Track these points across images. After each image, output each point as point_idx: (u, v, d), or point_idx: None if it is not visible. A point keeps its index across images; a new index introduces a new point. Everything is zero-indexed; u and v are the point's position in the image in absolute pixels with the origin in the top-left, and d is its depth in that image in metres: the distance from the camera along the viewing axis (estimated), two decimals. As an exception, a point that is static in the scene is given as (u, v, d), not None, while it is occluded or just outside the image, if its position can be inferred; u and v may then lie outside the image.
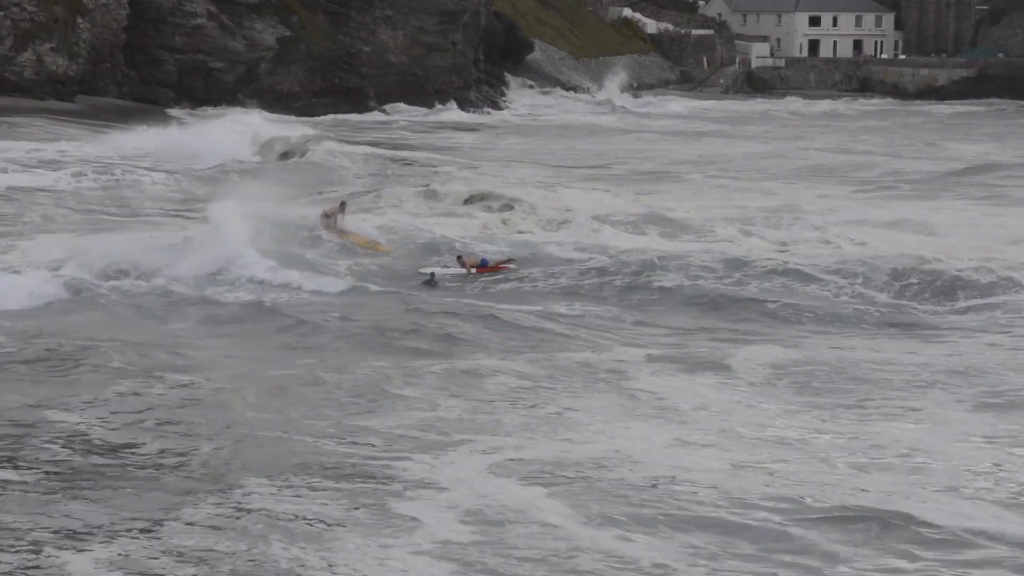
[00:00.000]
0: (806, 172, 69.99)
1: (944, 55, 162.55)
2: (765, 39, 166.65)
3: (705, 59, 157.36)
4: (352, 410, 23.79)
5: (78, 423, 22.55)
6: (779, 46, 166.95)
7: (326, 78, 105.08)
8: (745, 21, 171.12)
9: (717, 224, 44.66)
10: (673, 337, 30.84)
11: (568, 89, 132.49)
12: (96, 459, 20.76)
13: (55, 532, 17.70)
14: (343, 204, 41.79)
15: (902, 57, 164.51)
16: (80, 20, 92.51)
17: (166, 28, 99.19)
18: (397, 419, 23.17)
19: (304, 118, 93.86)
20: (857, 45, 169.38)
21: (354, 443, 21.74)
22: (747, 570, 17.13)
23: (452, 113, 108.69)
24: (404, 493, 19.33)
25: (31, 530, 17.70)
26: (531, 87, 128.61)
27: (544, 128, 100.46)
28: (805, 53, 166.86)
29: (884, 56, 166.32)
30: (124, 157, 62.39)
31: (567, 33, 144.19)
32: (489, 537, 17.90)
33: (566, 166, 71.62)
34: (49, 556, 16.89)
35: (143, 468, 20.39)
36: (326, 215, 40.50)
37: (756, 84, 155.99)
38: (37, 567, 16.64)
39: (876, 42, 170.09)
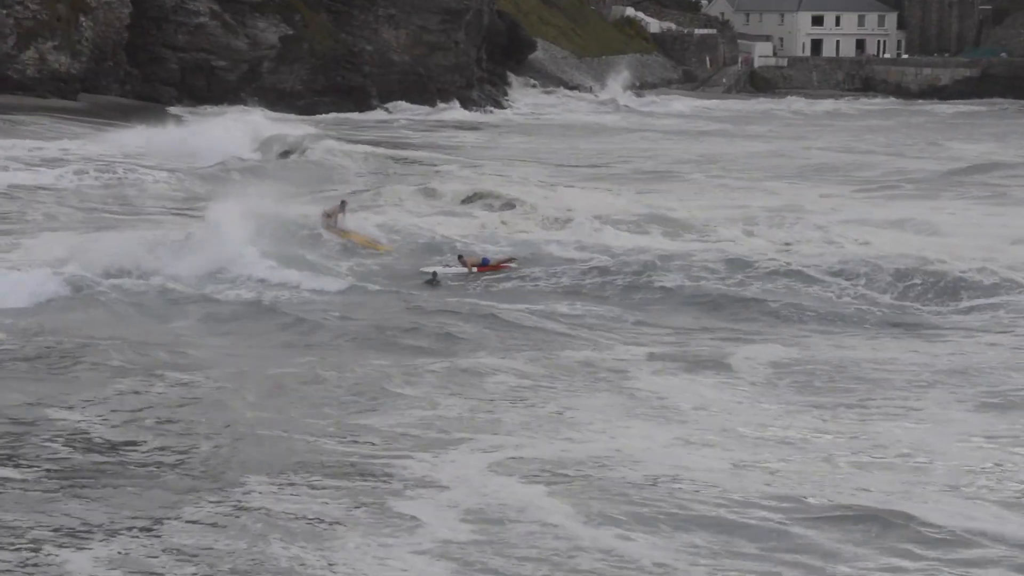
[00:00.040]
0: (809, 171, 69.97)
1: (947, 55, 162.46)
2: (768, 38, 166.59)
3: (708, 58, 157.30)
4: (352, 409, 23.78)
5: (78, 421, 22.54)
6: (782, 45, 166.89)
7: (328, 77, 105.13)
8: (748, 20, 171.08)
9: (719, 224, 44.61)
10: (674, 337, 30.83)
11: (571, 88, 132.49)
12: (96, 457, 20.74)
13: (55, 530, 17.68)
14: (343, 203, 41.77)
15: (905, 57, 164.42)
16: (83, 18, 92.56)
17: (169, 26, 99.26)
18: (397, 418, 23.16)
19: (306, 116, 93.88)
20: (860, 45, 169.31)
21: (354, 442, 21.73)
22: (748, 569, 17.11)
23: (454, 112, 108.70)
24: (404, 492, 19.31)
25: (31, 528, 17.68)
26: (534, 86, 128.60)
27: (547, 127, 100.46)
28: (808, 53, 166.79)
29: (887, 56, 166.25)
30: (126, 155, 62.37)
31: (570, 32, 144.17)
32: (489, 536, 17.88)
33: (568, 165, 71.63)
34: (49, 555, 16.88)
35: (143, 466, 20.38)
36: (327, 214, 40.48)
37: (759, 84, 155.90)
38: (37, 565, 16.62)
39: (879, 42, 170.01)
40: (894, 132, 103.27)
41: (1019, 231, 44.77)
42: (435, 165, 65.02)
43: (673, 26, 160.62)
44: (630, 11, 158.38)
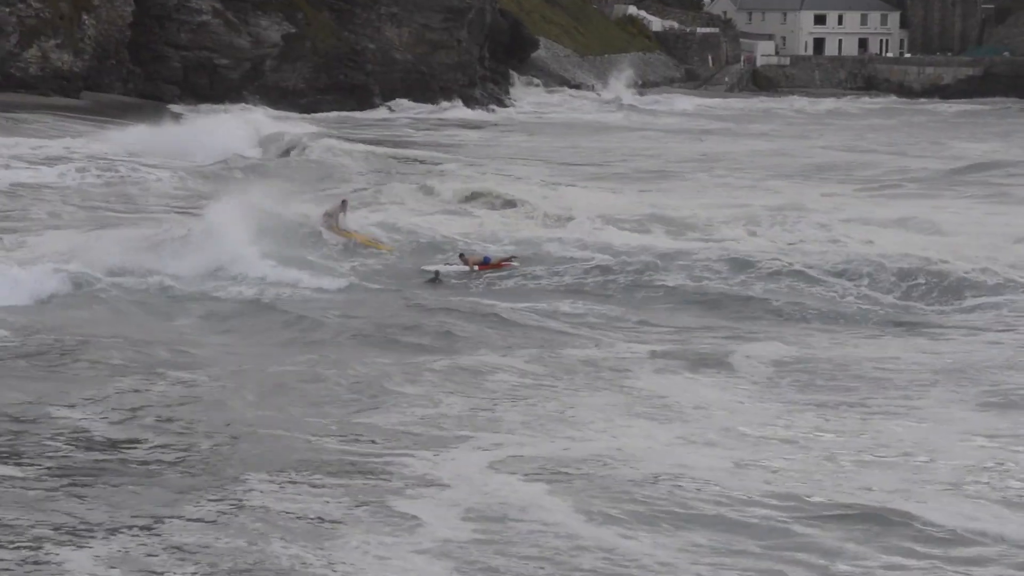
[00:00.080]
0: (811, 170, 69.98)
1: (950, 54, 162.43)
2: (770, 37, 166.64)
3: (710, 57, 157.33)
4: (353, 407, 23.75)
5: (78, 419, 22.51)
6: (784, 44, 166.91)
7: (331, 75, 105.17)
8: (750, 19, 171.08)
9: (721, 223, 44.59)
10: (676, 335, 30.81)
11: (573, 87, 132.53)
12: (96, 455, 20.72)
13: (55, 529, 17.65)
14: (344, 202, 41.72)
15: (907, 55, 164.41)
16: (85, 17, 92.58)
17: (171, 25, 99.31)
18: (398, 416, 23.13)
19: (309, 115, 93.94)
20: (862, 43, 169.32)
21: (355, 440, 21.70)
22: (749, 568, 17.07)
23: (457, 111, 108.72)
24: (405, 491, 19.28)
25: (31, 527, 17.65)
26: (537, 85, 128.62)
27: (549, 126, 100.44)
28: (810, 51, 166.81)
29: (889, 54, 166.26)
30: (128, 154, 62.33)
31: (572, 31, 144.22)
32: (490, 535, 17.84)
33: (571, 164, 71.61)
34: (48, 553, 16.84)
35: (143, 465, 20.35)
36: (327, 214, 40.43)
37: (761, 82, 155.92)
38: (37, 563, 16.59)
39: (881, 40, 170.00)
40: (896, 131, 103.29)
41: (1022, 230, 44.74)
42: (437, 163, 64.94)
43: (675, 25, 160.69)
44: (632, 9, 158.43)
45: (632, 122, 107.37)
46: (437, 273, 36.81)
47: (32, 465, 20.17)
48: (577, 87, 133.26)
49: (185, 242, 36.42)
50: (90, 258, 34.48)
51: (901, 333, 31.65)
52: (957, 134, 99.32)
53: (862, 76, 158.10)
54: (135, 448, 21.11)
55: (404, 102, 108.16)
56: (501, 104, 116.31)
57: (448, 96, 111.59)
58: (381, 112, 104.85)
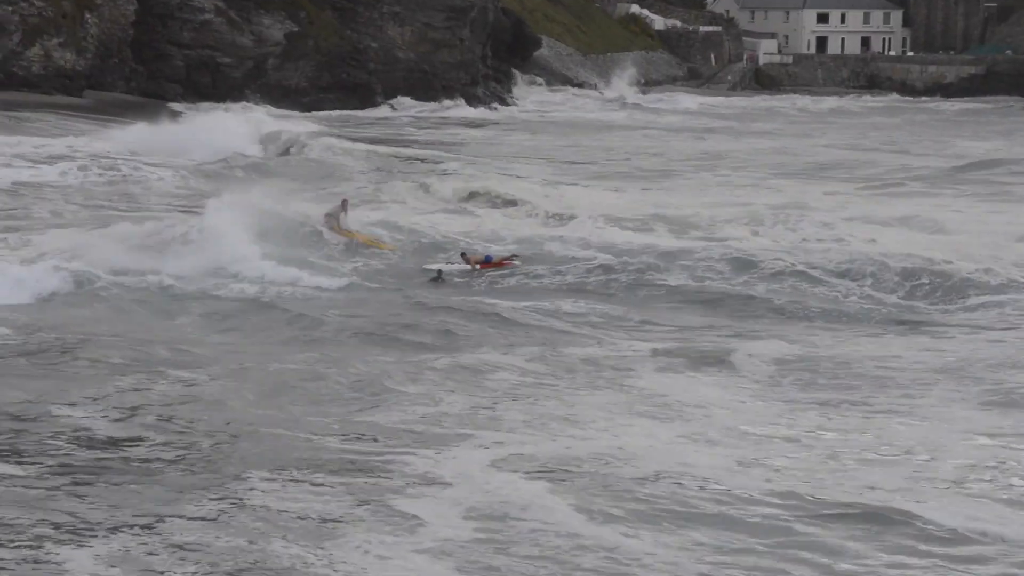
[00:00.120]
0: (814, 169, 69.99)
1: (952, 52, 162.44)
2: (773, 36, 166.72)
3: (713, 56, 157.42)
4: (354, 405, 23.73)
5: (79, 418, 22.49)
6: (787, 43, 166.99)
7: (333, 74, 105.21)
8: (753, 18, 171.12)
9: (724, 221, 44.57)
10: (678, 334, 30.78)
11: (576, 85, 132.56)
12: (97, 454, 20.69)
13: (55, 527, 17.63)
14: (345, 202, 41.64)
15: (910, 54, 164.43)
16: (88, 15, 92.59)
17: (174, 23, 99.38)
18: (400, 414, 23.11)
19: (311, 113, 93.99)
20: (865, 42, 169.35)
21: (356, 438, 21.68)
22: (751, 566, 17.04)
23: (459, 109, 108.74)
24: (406, 489, 19.24)
25: (31, 526, 17.63)
26: (539, 84, 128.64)
27: (552, 124, 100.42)
28: (813, 50, 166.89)
29: (892, 53, 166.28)
30: (129, 152, 62.31)
31: (574, 29, 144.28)
32: (492, 534, 17.80)
33: (573, 162, 71.59)
34: (49, 552, 16.82)
35: (144, 463, 20.32)
36: (328, 215, 40.38)
37: (764, 81, 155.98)
38: (37, 562, 16.57)
39: (884, 39, 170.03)
40: (899, 130, 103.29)
41: (1025, 228, 44.77)
42: (439, 162, 64.97)
43: (678, 23, 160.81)
44: (635, 8, 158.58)
45: (635, 121, 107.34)
46: (439, 272, 36.80)
47: (32, 464, 20.14)
48: (580, 86, 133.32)
49: (186, 241, 36.42)
50: (91, 256, 34.49)
51: (904, 331, 31.63)
52: (959, 133, 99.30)
53: (864, 75, 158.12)
54: (136, 447, 21.09)
55: (406, 101, 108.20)
56: (504, 103, 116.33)
57: (450, 95, 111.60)
58: (383, 111, 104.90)
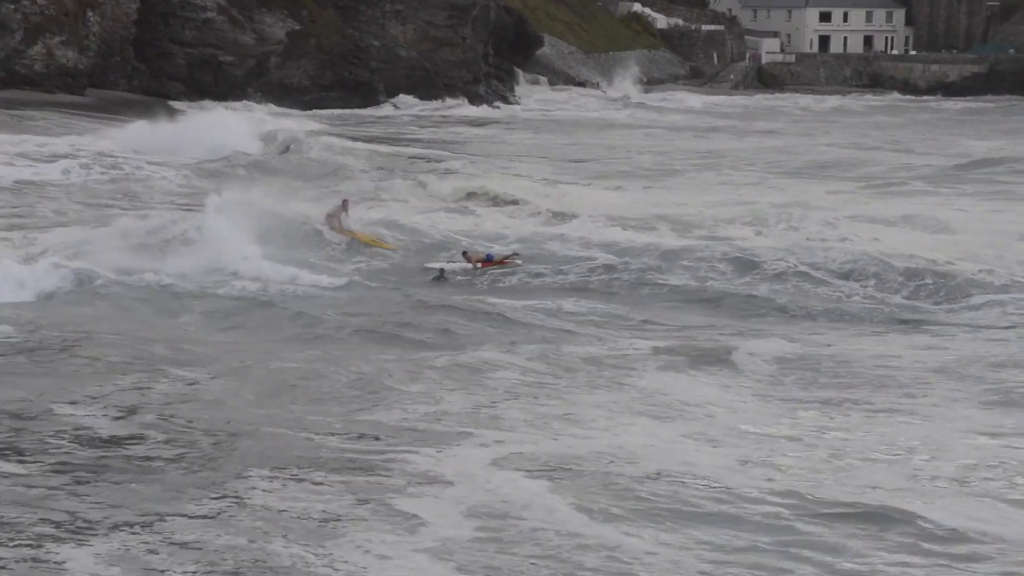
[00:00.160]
0: (816, 167, 69.97)
1: (955, 51, 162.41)
2: (775, 35, 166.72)
3: (715, 54, 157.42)
4: (355, 404, 23.70)
5: (80, 416, 22.47)
6: (789, 42, 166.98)
7: (335, 72, 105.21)
8: (755, 16, 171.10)
9: (727, 221, 44.54)
10: (680, 334, 30.75)
11: (578, 84, 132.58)
12: (97, 452, 20.67)
13: (56, 526, 17.60)
14: (345, 202, 41.59)
15: (913, 53, 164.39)
16: (90, 13, 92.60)
17: (176, 22, 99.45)
18: (400, 413, 23.09)
19: (313, 111, 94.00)
20: (868, 41, 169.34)
21: (357, 437, 21.65)
22: (753, 564, 17.01)
23: (461, 108, 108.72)
24: (407, 488, 19.21)
25: (32, 524, 17.61)
26: (541, 84, 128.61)
27: (554, 123, 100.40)
28: (815, 49, 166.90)
29: (895, 52, 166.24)
30: (131, 151, 62.30)
31: (577, 28, 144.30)
32: (493, 533, 17.78)
33: (575, 161, 71.57)
34: (49, 552, 16.79)
35: (144, 462, 20.30)
36: (330, 215, 40.32)
37: (766, 80, 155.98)
38: (37, 561, 16.54)
39: (887, 38, 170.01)
40: (901, 128, 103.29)
41: (1027, 226, 44.75)
42: (440, 161, 64.96)
43: (680, 22, 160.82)
44: (637, 7, 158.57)
45: (637, 120, 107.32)
46: (442, 270, 36.79)
47: (33, 462, 20.13)
48: (582, 84, 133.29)
49: (186, 240, 36.41)
50: (93, 255, 34.50)
51: (906, 330, 31.62)
52: (962, 132, 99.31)
53: (867, 73, 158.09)
54: (136, 445, 21.06)
55: (408, 99, 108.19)
56: (506, 101, 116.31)
57: (452, 93, 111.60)
58: (385, 109, 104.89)
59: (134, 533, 17.42)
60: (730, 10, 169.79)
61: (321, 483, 19.35)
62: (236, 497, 18.75)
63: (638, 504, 18.91)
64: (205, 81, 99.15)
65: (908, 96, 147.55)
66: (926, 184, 61.26)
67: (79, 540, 17.14)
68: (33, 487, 19.03)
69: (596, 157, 74.50)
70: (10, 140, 63.20)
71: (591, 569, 16.82)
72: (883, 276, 35.95)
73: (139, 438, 21.42)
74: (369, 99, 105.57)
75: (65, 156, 59.33)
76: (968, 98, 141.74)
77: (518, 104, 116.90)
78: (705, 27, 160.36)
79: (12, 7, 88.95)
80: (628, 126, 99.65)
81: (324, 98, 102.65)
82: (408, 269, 37.63)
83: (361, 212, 42.78)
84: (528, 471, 20.07)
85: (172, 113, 79.12)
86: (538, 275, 36.74)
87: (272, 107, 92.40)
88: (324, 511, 18.28)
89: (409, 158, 66.25)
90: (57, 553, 16.74)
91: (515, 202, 47.83)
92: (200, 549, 16.96)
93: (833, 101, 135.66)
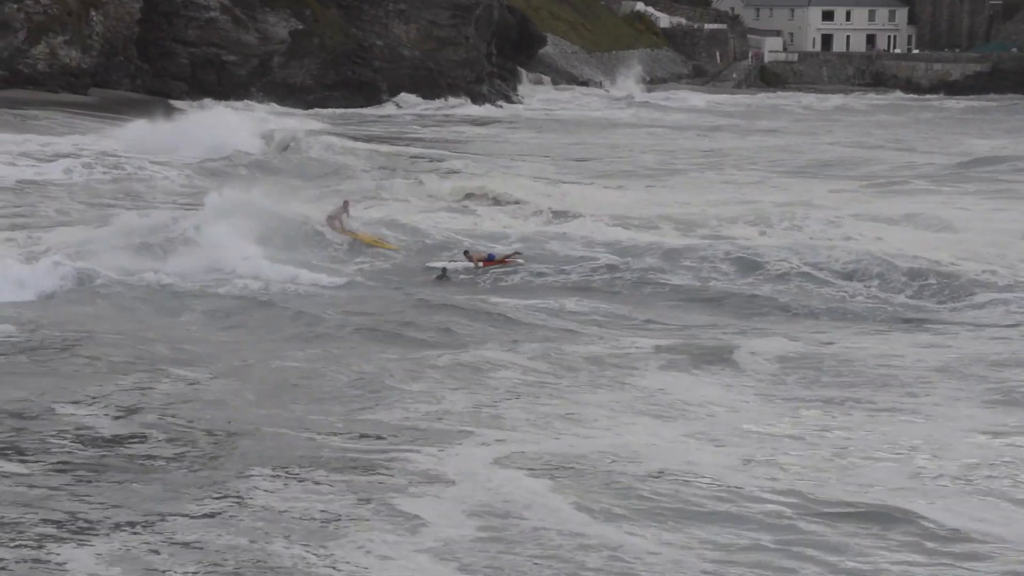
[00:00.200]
0: (819, 166, 69.94)
1: (957, 50, 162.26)
2: (778, 33, 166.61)
3: (718, 53, 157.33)
4: (356, 403, 23.69)
5: (81, 416, 22.46)
6: (792, 40, 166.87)
7: (339, 72, 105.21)
8: (758, 15, 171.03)
9: (730, 220, 44.48)
10: (682, 333, 30.71)
11: (581, 84, 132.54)
12: (98, 452, 20.66)
13: (57, 526, 17.59)
14: (346, 203, 41.52)
15: (915, 52, 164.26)
16: (93, 13, 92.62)
17: (179, 21, 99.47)
18: (402, 412, 23.07)
19: (315, 110, 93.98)
20: (870, 40, 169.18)
21: (358, 437, 21.63)
22: (756, 563, 16.99)
23: (464, 107, 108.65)
24: (408, 488, 19.19)
25: (33, 525, 17.59)
26: (543, 83, 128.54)
27: (557, 122, 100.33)
28: (818, 47, 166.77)
29: (897, 51, 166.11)
30: (133, 150, 62.27)
31: (579, 27, 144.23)
32: (495, 532, 17.75)
33: (578, 160, 71.52)
34: (50, 552, 16.77)
35: (145, 462, 20.29)
36: (331, 217, 40.27)
37: (769, 79, 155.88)
38: (38, 561, 16.53)
39: (889, 37, 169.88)
40: (904, 127, 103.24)
41: (1030, 225, 44.69)
42: (442, 160, 64.96)
43: (683, 21, 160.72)
44: (640, 6, 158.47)
45: (640, 119, 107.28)
46: (444, 270, 36.77)
47: (34, 462, 20.12)
48: (585, 84, 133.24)
49: (187, 240, 36.41)
50: (94, 254, 34.51)
51: (908, 329, 31.59)
52: (965, 130, 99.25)
53: (870, 72, 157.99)
54: (137, 445, 21.05)
55: (411, 98, 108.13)
56: (509, 100, 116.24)
57: (455, 93, 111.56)
58: (388, 108, 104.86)
59: (135, 533, 17.40)
60: (733, 9, 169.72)
61: (322, 483, 19.33)
62: (237, 497, 18.72)
63: (640, 503, 18.89)
64: (208, 81, 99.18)
65: (911, 95, 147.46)
66: (929, 183, 61.21)
67: (80, 540, 17.12)
68: (34, 487, 19.02)
69: (599, 156, 74.46)
70: (13, 140, 63.27)
71: (593, 569, 16.79)
72: (886, 276, 35.91)
73: (140, 438, 21.41)
74: (372, 98, 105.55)
75: (68, 155, 59.33)
76: (971, 97, 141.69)
77: (521, 103, 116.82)
78: (708, 26, 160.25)
79: (15, 6, 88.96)
80: (631, 125, 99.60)
81: (327, 97, 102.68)
82: (410, 269, 37.61)
83: (362, 211, 42.75)
84: (530, 470, 20.05)
85: (171, 112, 79.04)
86: (540, 274, 36.71)
87: (275, 106, 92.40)
88: (325, 511, 18.25)
89: (411, 157, 66.24)
90: (58, 554, 16.72)
91: (517, 202, 47.78)
92: (201, 549, 16.94)
93: (835, 100, 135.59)
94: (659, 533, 17.90)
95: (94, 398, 23.51)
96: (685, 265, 37.13)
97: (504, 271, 36.90)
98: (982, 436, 22.46)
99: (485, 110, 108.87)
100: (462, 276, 36.59)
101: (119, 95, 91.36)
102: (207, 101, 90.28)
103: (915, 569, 17.01)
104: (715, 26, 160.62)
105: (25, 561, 16.45)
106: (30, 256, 34.98)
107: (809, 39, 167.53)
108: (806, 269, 36.59)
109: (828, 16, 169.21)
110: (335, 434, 21.69)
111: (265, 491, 18.94)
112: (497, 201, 48.04)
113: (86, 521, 17.76)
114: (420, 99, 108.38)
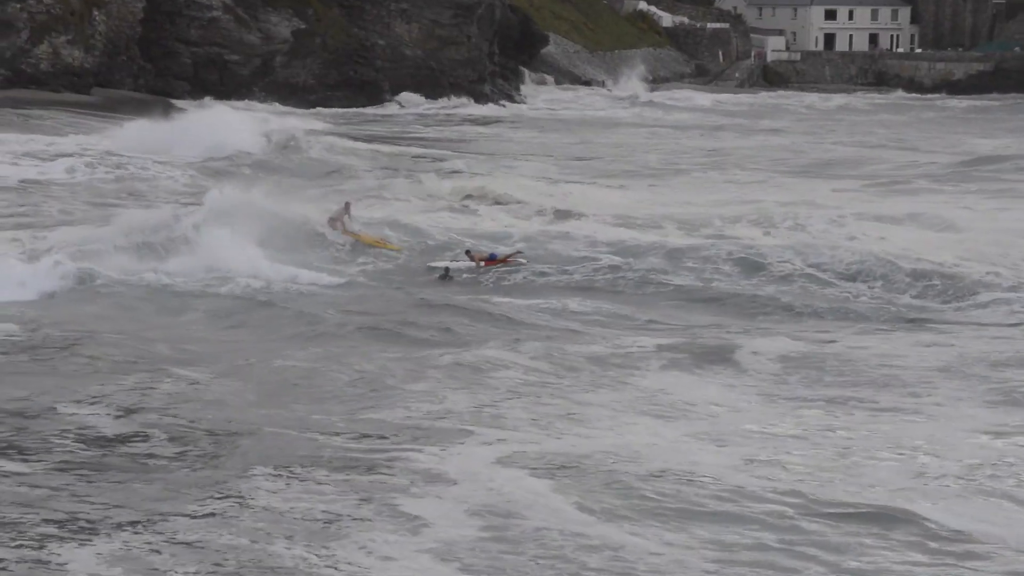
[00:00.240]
0: (822, 166, 69.91)
1: (960, 49, 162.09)
2: (781, 33, 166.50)
3: (720, 53, 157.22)
4: (358, 403, 23.67)
5: (82, 415, 22.45)
6: (795, 40, 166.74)
7: (341, 71, 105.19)
8: (760, 15, 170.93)
9: (733, 220, 44.46)
10: (685, 333, 30.69)
11: (583, 83, 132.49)
12: (99, 452, 20.65)
13: (58, 525, 17.58)
14: (348, 204, 41.49)
15: (918, 51, 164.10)
16: (96, 13, 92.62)
17: (182, 21, 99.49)
18: (403, 412, 23.05)
19: (317, 110, 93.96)
20: (873, 39, 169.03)
21: (360, 436, 21.61)
22: (758, 562, 16.98)
23: (467, 107, 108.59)
24: (410, 488, 19.18)
25: (34, 525, 17.58)
26: (546, 83, 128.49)
27: (560, 122, 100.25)
28: (821, 47, 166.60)
29: (900, 50, 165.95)
30: (135, 150, 62.27)
31: (582, 27, 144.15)
32: (497, 532, 17.74)
33: (581, 160, 71.50)
34: (51, 552, 16.76)
35: (146, 461, 20.28)
36: (332, 218, 40.25)
37: (771, 78, 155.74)
38: (39, 561, 16.51)
39: (892, 36, 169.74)
40: (907, 127, 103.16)
41: (1032, 224, 44.66)
42: (444, 160, 64.96)
43: (686, 20, 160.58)
44: (643, 5, 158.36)
45: (643, 118, 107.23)
46: (447, 269, 36.77)
47: (36, 461, 20.11)
48: (587, 83, 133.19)
49: (187, 240, 36.41)
50: (95, 254, 34.51)
51: (911, 329, 31.56)
52: (968, 130, 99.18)
53: (872, 72, 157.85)
54: (138, 444, 21.04)
55: (414, 98, 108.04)
56: (511, 100, 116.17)
57: (458, 92, 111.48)
58: (391, 108, 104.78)
59: (136, 533, 17.39)
60: (735, 8, 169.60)
61: (324, 483, 19.31)
62: (238, 497, 18.71)
63: (642, 503, 18.87)
64: (211, 80, 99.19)
65: (913, 94, 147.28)
66: (932, 182, 61.19)
67: (81, 540, 17.11)
68: (35, 486, 19.01)
69: (601, 156, 74.43)
70: (16, 139, 63.31)
71: (595, 569, 16.78)
72: (890, 277, 35.89)
73: (141, 437, 21.39)
74: (374, 98, 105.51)
75: (71, 155, 59.34)
76: (973, 96, 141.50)
77: (524, 103, 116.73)
78: (710, 25, 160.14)
79: (18, 6, 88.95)
80: (634, 125, 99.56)
81: (329, 97, 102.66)
82: (412, 269, 37.60)
83: (364, 211, 42.73)
84: (532, 470, 20.03)
85: (172, 111, 79.02)
86: (542, 274, 36.69)
87: (277, 106, 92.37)
88: (327, 511, 18.23)
89: (413, 157, 66.23)
90: (59, 554, 16.70)
91: (519, 201, 47.75)
92: (203, 549, 16.92)
93: (838, 99, 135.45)
94: (661, 533, 17.89)
95: (95, 398, 23.50)
96: (688, 265, 37.11)
97: (506, 271, 36.89)
98: (985, 436, 22.44)
99: (488, 109, 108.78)
100: (465, 275, 36.58)
101: (122, 95, 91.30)
102: (207, 100, 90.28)
103: (917, 569, 16.99)
104: (718, 25, 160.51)
105: (26, 561, 16.44)
106: (32, 255, 34.99)
107: (812, 38, 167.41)
108: (809, 270, 36.59)
109: (831, 15, 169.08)
110: (336, 434, 21.68)
111: (266, 491, 18.92)
112: (499, 201, 48.00)
113: (87, 521, 17.75)
114: (422, 99, 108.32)
